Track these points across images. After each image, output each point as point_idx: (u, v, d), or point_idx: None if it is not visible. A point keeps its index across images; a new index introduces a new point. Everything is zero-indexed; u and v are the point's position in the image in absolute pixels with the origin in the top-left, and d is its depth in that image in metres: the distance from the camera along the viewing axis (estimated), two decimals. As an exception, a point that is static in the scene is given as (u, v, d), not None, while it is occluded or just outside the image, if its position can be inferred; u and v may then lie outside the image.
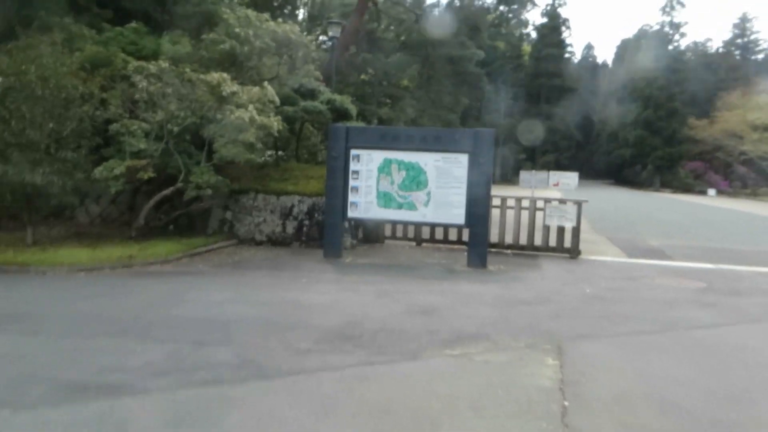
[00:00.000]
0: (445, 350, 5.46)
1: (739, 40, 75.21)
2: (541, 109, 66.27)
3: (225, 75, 10.43)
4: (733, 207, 34.50)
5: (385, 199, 10.30)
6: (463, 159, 9.96)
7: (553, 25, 72.22)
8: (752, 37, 74.41)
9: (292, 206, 12.00)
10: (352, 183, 10.46)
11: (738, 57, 74.26)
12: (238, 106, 10.67)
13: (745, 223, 22.63)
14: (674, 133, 64.39)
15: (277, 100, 11.50)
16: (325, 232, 10.63)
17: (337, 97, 13.28)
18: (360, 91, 30.93)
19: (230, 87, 10.30)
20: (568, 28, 74.30)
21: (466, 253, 11.20)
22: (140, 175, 10.38)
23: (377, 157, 10.33)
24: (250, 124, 10.36)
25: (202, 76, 10.32)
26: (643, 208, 29.08)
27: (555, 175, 11.69)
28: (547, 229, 11.78)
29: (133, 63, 11.10)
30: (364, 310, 6.75)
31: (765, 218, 26.10)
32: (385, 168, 10.29)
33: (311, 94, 13.39)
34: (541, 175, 11.92)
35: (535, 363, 5.16)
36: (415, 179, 10.16)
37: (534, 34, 75.72)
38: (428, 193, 10.12)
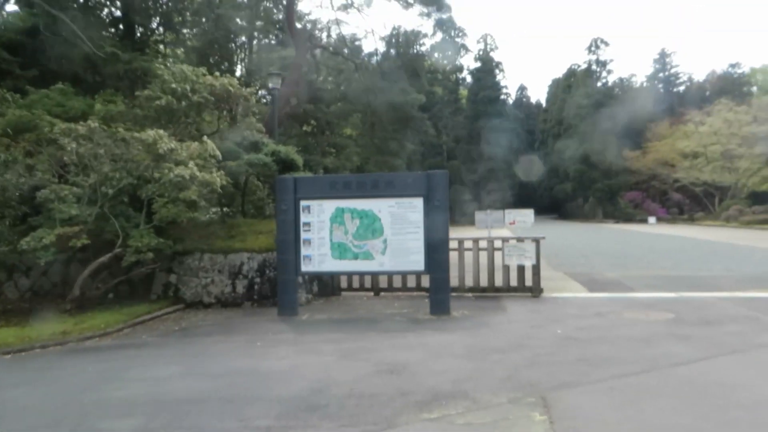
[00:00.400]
0: (422, 414, 4.93)
1: (660, 74, 79.23)
2: (482, 150, 67.54)
3: (161, 132, 9.86)
4: (676, 233, 35.47)
5: (340, 250, 9.81)
6: (418, 203, 9.62)
7: (487, 68, 74.54)
8: (672, 70, 78.52)
9: (241, 264, 11.35)
10: (303, 235, 9.95)
11: (661, 90, 78.09)
12: (178, 163, 10.10)
13: (692, 249, 23.10)
14: (611, 166, 66.64)
15: (218, 154, 10.97)
16: (279, 289, 10.02)
17: (282, 148, 12.86)
18: (303, 142, 30.60)
19: (167, 144, 9.73)
20: (501, 70, 76.88)
21: (427, 300, 10.78)
22: (73, 242, 9.59)
23: (328, 206, 9.88)
24: (190, 181, 9.79)
25: (136, 135, 9.73)
26: (591, 241, 29.48)
27: (511, 214, 11.48)
28: (507, 269, 11.50)
29: (60, 125, 10.41)
30: (328, 373, 6.16)
31: (708, 242, 26.80)
32: (337, 218, 9.84)
33: (255, 147, 12.93)
34: (497, 214, 11.70)
35: (523, 421, 4.69)
36: (370, 227, 9.74)
37: (469, 78, 77.85)
38: (384, 241, 9.70)
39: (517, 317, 9.17)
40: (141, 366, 6.99)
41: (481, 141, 69.47)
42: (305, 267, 9.94)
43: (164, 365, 6.89)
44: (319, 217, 9.91)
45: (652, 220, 60.04)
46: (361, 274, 11.28)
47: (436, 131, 58.25)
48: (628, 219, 63.73)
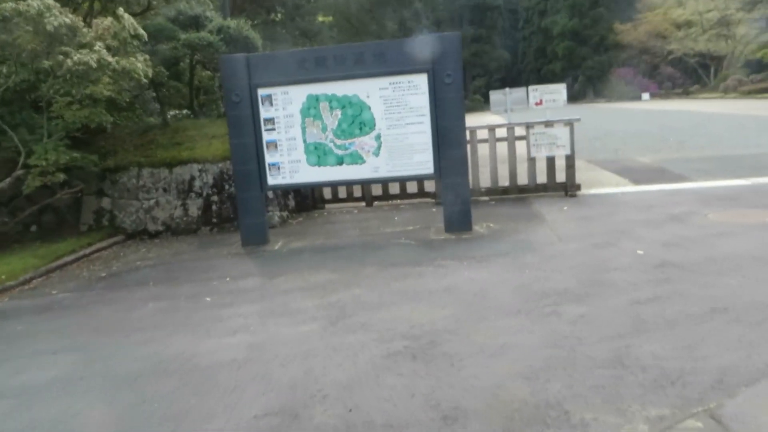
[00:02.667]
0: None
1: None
2: (465, 31, 62.96)
3: (50, 1, 6.86)
4: (679, 108, 32.92)
5: (318, 154, 7.20)
6: (421, 81, 6.91)
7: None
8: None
9: (192, 179, 8.73)
10: (266, 137, 7.28)
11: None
12: (82, 46, 7.19)
13: (710, 123, 20.65)
14: (602, 41, 62.82)
15: (142, 33, 8.02)
16: (240, 212, 7.47)
17: (232, 23, 9.83)
18: (271, 31, 26.93)
19: (59, 18, 6.77)
20: None
21: (435, 210, 8.36)
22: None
23: (297, 94, 7.15)
24: (99, 70, 6.94)
25: (14, 5, 6.74)
26: (595, 122, 26.85)
27: (536, 91, 8.84)
28: (533, 162, 9.01)
29: None
30: (309, 364, 3.73)
31: (723, 115, 24.31)
32: (311, 109, 7.14)
33: (195, 23, 9.91)
34: (517, 93, 9.06)
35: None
36: (357, 119, 7.08)
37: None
38: (377, 137, 7.07)
39: (565, 230, 6.76)
40: (9, 359, 4.53)
41: (463, 23, 64.75)
42: (273, 180, 7.35)
43: (46, 358, 4.41)
44: (285, 111, 7.20)
45: (645, 96, 57.28)
46: (350, 185, 8.72)
47: (414, 13, 53.60)
48: (620, 97, 60.85)
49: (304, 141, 7.21)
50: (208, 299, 5.38)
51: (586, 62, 63.91)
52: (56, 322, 5.29)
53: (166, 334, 4.57)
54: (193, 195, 8.73)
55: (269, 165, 7.34)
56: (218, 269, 6.51)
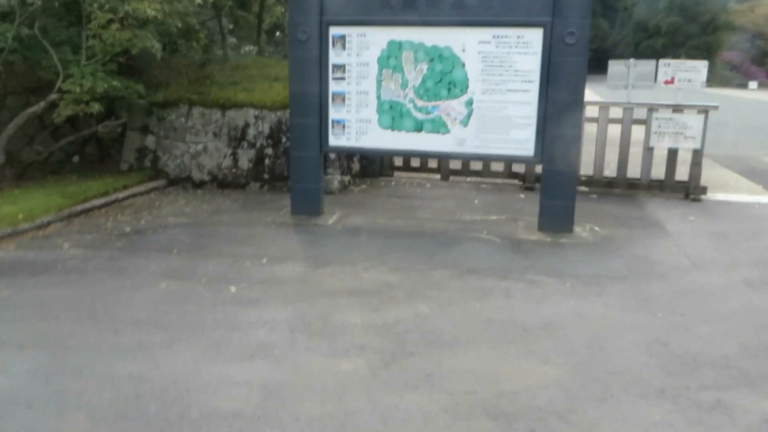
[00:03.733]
0: None
1: None
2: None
3: None
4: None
5: (393, 114, 5.87)
6: (534, 37, 5.42)
7: None
8: None
9: (246, 126, 7.58)
10: (334, 87, 5.99)
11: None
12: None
13: None
14: (712, 20, 57.73)
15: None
16: (292, 174, 6.26)
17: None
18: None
19: None
20: None
21: (523, 195, 6.99)
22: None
23: (377, 38, 5.79)
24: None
25: None
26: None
27: (668, 67, 7.12)
28: (649, 154, 7.38)
29: None
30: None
31: None
32: (391, 59, 5.78)
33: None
34: (643, 66, 7.34)
35: None
36: (446, 78, 5.68)
37: None
38: (469, 102, 5.66)
39: (698, 249, 5.24)
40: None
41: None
42: (335, 140, 6.09)
43: (7, 355, 3.39)
44: (360, 57, 5.87)
45: (753, 85, 52.50)
46: (427, 157, 7.31)
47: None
48: (724, 83, 56.08)
49: (378, 97, 5.88)
50: (232, 289, 4.22)
51: (692, 41, 58.95)
52: (48, 291, 4.26)
53: (165, 341, 3.43)
54: (245, 144, 7.59)
55: (333, 122, 6.07)
56: (256, 242, 5.36)
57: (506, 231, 5.76)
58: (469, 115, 5.70)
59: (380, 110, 5.91)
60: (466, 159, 6.79)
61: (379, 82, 5.86)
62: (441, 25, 5.62)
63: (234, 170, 7.63)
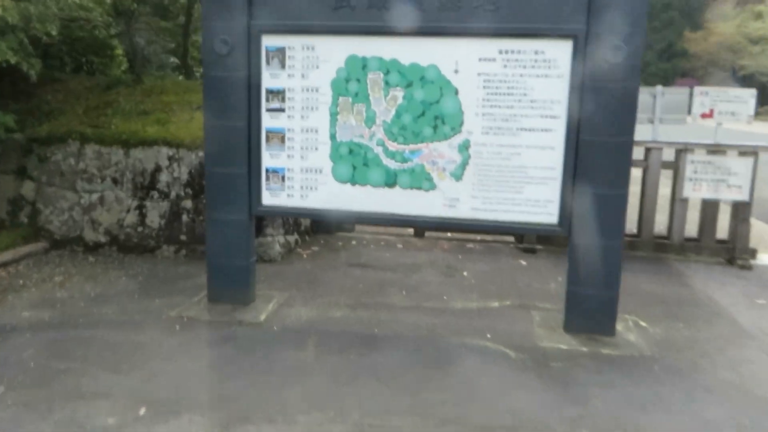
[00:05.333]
0: None
1: (732, -55, 68.18)
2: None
3: None
4: (756, 131, 28.93)
5: (354, 162, 4.06)
6: (560, 52, 3.71)
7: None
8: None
9: (158, 171, 5.67)
10: (269, 123, 4.16)
11: (730, -37, 67.66)
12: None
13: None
14: (669, 47, 58.25)
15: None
16: (209, 243, 4.35)
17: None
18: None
19: None
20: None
21: (524, 261, 5.25)
22: None
23: (331, 53, 4.00)
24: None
25: None
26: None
27: (706, 96, 5.53)
28: (682, 205, 5.76)
29: None
30: None
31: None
32: (351, 82, 3.99)
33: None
34: (675, 94, 5.74)
35: None
36: (430, 110, 3.91)
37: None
38: (464, 146, 3.90)
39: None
40: None
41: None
42: (271, 198, 4.23)
43: None
44: (306, 80, 4.06)
45: (707, 112, 52.92)
46: (404, 224, 5.33)
47: None
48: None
49: (333, 137, 4.07)
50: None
51: (649, 68, 59.24)
52: None
53: None
54: (156, 195, 5.66)
55: (268, 171, 4.22)
56: (142, 364, 3.43)
57: (519, 331, 3.96)
58: (464, 163, 3.93)
59: (336, 156, 4.09)
60: (459, 227, 4.97)
61: (333, 116, 4.06)
62: (424, 35, 3.87)
63: (140, 229, 5.67)
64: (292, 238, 5.84)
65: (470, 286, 4.88)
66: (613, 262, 3.81)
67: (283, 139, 4.17)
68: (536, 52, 3.75)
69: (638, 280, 5.10)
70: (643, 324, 4.13)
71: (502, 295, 4.66)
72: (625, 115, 3.68)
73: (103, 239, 5.73)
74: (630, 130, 3.71)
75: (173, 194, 5.64)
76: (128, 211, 5.71)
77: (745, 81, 55.97)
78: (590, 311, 3.89)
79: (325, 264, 5.45)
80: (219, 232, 4.27)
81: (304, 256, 5.71)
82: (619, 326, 3.98)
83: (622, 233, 3.83)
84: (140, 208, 5.68)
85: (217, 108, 4.12)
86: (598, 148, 3.70)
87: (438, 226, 4.50)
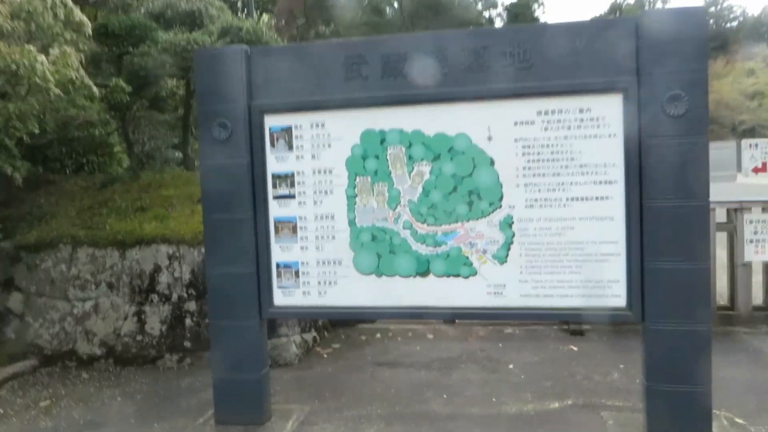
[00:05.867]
0: None
1: (712, 9, 70.32)
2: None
3: None
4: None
5: (379, 250, 3.49)
6: (609, 108, 3.20)
7: (525, 2, 65.90)
8: (725, 4, 69.60)
9: (157, 271, 5.12)
10: (277, 212, 3.63)
11: (714, 26, 69.57)
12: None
13: None
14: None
15: (81, 18, 4.60)
16: (214, 355, 3.74)
17: (246, 23, 6.34)
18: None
19: None
20: (541, 4, 68.10)
21: (574, 346, 4.56)
22: None
23: (345, 129, 3.52)
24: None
25: None
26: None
27: (756, 149, 4.97)
28: (745, 271, 5.12)
29: None
30: None
31: None
32: (369, 159, 3.48)
33: (191, 20, 6.50)
34: (719, 150, 5.09)
35: None
36: (463, 184, 3.37)
37: (505, 16, 69.23)
38: (506, 222, 3.33)
39: None
40: None
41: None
42: (284, 298, 3.65)
43: None
44: (318, 161, 3.56)
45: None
46: (441, 317, 4.64)
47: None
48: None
49: (352, 223, 3.52)
50: None
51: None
52: None
53: None
54: (155, 298, 5.09)
55: (279, 266, 3.65)
56: None
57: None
58: (508, 243, 3.35)
59: (356, 244, 3.53)
60: (509, 318, 4.32)
61: (351, 199, 3.52)
62: (448, 100, 3.38)
63: (139, 338, 5.06)
64: (309, 336, 5.20)
65: (520, 383, 4.19)
66: (700, 350, 3.15)
67: (294, 229, 3.63)
68: (581, 111, 3.25)
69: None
70: (740, 421, 3.43)
71: (560, 393, 3.96)
72: (694, 174, 3.12)
73: (98, 351, 5.11)
74: (703, 191, 3.14)
75: (175, 296, 5.06)
76: (125, 318, 5.12)
77: (746, 135, 56.38)
78: (678, 412, 3.19)
79: (349, 365, 4.78)
80: (225, 341, 3.66)
81: (325, 355, 5.05)
82: (715, 427, 3.27)
83: (709, 315, 3.18)
84: (139, 314, 5.09)
85: (217, 200, 3.61)
86: (666, 215, 3.12)
87: (483, 318, 3.86)
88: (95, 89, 4.73)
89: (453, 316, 4.30)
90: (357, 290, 3.55)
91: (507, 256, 3.37)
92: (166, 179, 6.30)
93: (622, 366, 4.29)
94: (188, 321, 5.04)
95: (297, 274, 3.64)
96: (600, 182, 3.25)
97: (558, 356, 4.69)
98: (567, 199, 3.29)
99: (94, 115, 6.44)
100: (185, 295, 5.06)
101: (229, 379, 3.67)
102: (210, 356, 3.77)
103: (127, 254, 5.17)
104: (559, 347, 4.95)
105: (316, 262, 3.62)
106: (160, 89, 6.35)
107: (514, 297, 3.39)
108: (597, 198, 3.26)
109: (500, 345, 5.05)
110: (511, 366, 4.51)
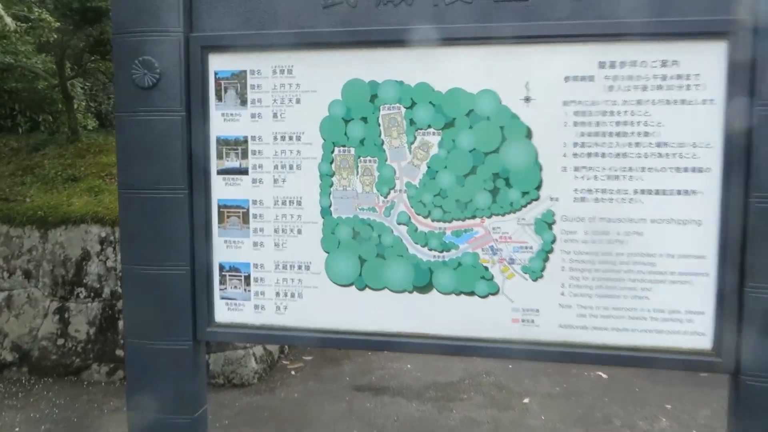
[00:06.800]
0: None
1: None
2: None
3: None
4: None
5: (363, 251, 2.48)
6: (709, 61, 2.17)
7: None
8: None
9: (85, 259, 4.08)
10: (222, 192, 2.60)
11: None
12: None
13: None
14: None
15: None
16: (129, 387, 2.73)
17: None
18: None
19: None
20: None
21: (604, 375, 3.56)
22: None
23: (321, 77, 2.47)
24: None
25: None
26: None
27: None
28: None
29: None
30: None
31: None
32: (354, 123, 2.45)
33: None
34: None
35: None
36: (486, 163, 2.35)
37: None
38: (545, 221, 2.32)
39: None
40: None
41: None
42: (229, 312, 2.64)
43: None
44: (282, 121, 2.53)
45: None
46: (444, 352, 3.52)
47: None
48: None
49: (326, 212, 2.51)
50: None
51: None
52: None
53: None
54: (82, 293, 4.07)
55: (223, 269, 2.63)
56: None
57: None
58: (546, 251, 2.35)
59: (331, 243, 2.52)
60: (541, 357, 3.26)
61: (326, 179, 2.50)
62: (470, 42, 2.35)
63: (61, 342, 4.05)
64: (275, 347, 4.20)
65: (542, 426, 3.21)
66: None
67: (246, 218, 2.60)
68: (664, 64, 2.23)
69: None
70: None
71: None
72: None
73: (9, 357, 4.11)
74: None
75: (107, 291, 4.04)
76: (45, 316, 4.10)
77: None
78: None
79: (321, 388, 3.79)
80: (145, 370, 2.65)
81: (293, 372, 4.07)
82: None
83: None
84: (62, 311, 4.08)
85: (137, 173, 2.57)
86: (783, 219, 2.12)
87: (505, 355, 2.82)
88: (9, 20, 3.66)
89: (461, 351, 3.24)
90: (329, 307, 2.55)
91: (543, 269, 2.37)
92: (110, 143, 5.24)
93: (669, 407, 3.32)
94: (122, 324, 4.01)
95: (248, 280, 2.62)
96: (686, 169, 2.24)
97: (585, 387, 3.73)
98: (635, 192, 2.29)
99: (36, 64, 5.41)
100: (120, 290, 4.03)
101: (151, 421, 2.66)
102: (126, 389, 2.75)
103: (49, 235, 4.13)
104: (583, 372, 3.98)
105: (275, 266, 2.60)
106: (106, 28, 5.25)
107: (550, 328, 2.40)
108: (680, 192, 2.25)
109: (510, 366, 4.08)
110: (526, 401, 3.54)
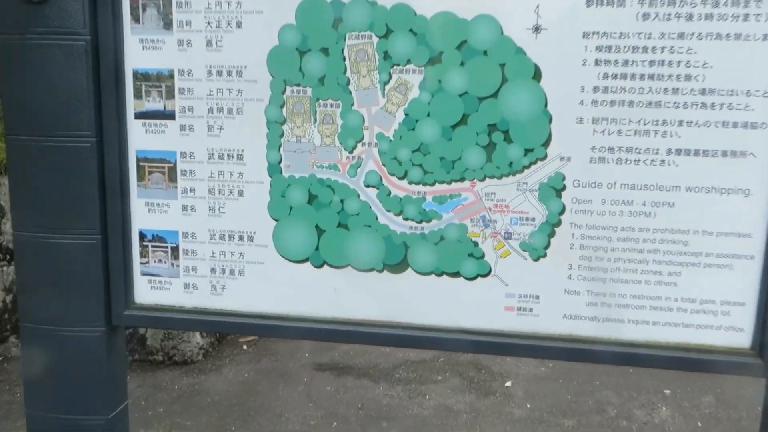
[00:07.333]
0: None
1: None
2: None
3: None
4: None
5: (321, 218, 1.96)
6: (778, -16, 1.66)
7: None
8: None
9: (1, 214, 3.46)
10: (141, 141, 2.03)
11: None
12: None
13: None
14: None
15: None
16: (26, 381, 2.22)
17: None
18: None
19: None
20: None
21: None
22: None
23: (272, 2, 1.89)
24: None
25: None
26: None
27: None
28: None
29: None
30: None
31: None
32: (309, 52, 1.89)
33: None
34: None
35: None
36: (479, 109, 1.83)
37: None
38: (549, 185, 1.83)
39: None
40: None
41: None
42: (152, 292, 2.11)
43: None
44: (218, 51, 1.95)
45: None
46: (429, 347, 3.06)
47: None
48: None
49: (275, 170, 1.97)
50: None
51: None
52: None
53: None
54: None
55: (144, 238, 2.09)
56: None
57: None
58: (552, 223, 1.87)
59: (281, 208, 1.99)
60: (543, 354, 2.77)
61: (275, 127, 1.95)
62: (466, -50, 1.79)
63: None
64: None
65: (527, 419, 2.80)
66: None
67: (173, 175, 2.05)
68: (712, -15, 1.71)
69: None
70: None
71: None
72: None
73: None
74: None
75: (26, 253, 3.45)
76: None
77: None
78: None
79: (276, 368, 3.33)
80: (47, 361, 2.12)
81: (244, 347, 3.59)
82: None
83: None
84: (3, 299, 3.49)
85: (30, 112, 1.99)
86: None
87: (496, 350, 2.33)
88: None
89: (440, 345, 2.70)
90: (278, 288, 2.04)
91: (547, 246, 1.89)
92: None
93: (667, 392, 2.94)
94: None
95: (175, 253, 2.09)
96: (735, 124, 1.76)
97: (573, 368, 3.32)
98: (669, 152, 1.80)
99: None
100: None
101: (56, 424, 2.16)
102: (24, 385, 2.22)
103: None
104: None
105: (210, 235, 2.07)
106: None
107: (552, 319, 1.94)
108: (725, 153, 1.77)
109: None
110: (508, 384, 3.13)
